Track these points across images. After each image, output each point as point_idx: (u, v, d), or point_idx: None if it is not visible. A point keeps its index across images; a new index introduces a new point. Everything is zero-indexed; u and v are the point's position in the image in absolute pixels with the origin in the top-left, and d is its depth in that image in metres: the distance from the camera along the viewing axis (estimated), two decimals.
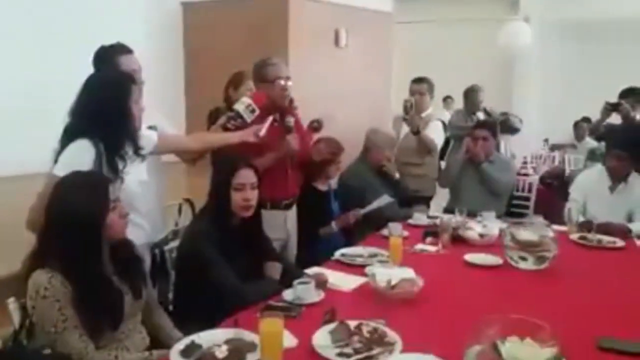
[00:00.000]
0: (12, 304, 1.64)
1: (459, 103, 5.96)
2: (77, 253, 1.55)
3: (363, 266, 2.33)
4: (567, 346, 1.33)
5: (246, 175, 2.10)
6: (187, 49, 7.38)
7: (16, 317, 1.63)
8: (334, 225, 3.03)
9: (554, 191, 4.65)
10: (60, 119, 1.97)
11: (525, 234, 2.37)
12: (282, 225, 2.74)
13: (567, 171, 5.16)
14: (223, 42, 6.87)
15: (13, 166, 4.89)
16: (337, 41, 7.36)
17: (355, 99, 6.95)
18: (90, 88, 1.95)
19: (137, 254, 1.80)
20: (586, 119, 6.13)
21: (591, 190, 3.28)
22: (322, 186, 3.15)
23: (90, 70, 2.24)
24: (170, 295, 2.25)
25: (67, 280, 1.53)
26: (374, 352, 1.56)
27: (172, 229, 2.87)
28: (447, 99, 8.16)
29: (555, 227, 2.77)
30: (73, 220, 1.56)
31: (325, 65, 6.77)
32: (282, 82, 2.62)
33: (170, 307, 2.15)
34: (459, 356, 1.40)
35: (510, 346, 1.32)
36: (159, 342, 1.81)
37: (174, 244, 2.49)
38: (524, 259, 2.33)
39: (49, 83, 5.33)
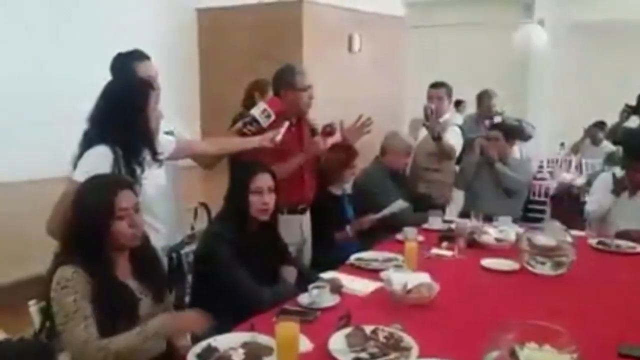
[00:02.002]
0: (32, 306, 1.66)
1: (471, 107, 5.94)
2: (89, 255, 1.59)
3: (378, 271, 2.32)
4: (586, 352, 1.32)
5: (264, 179, 2.13)
6: (202, 54, 7.46)
7: (36, 319, 1.66)
8: (349, 230, 3.02)
9: (569, 196, 4.60)
10: (74, 124, 2.00)
11: (543, 239, 2.35)
12: (298, 230, 2.76)
13: (581, 180, 5.02)
14: (238, 47, 6.94)
15: (25, 171, 4.98)
16: (350, 46, 7.39)
17: (368, 104, 6.91)
18: (109, 95, 1.98)
19: (158, 258, 1.82)
20: (601, 123, 6.06)
21: (609, 195, 3.24)
22: (336, 190, 3.15)
23: (105, 75, 2.27)
24: (187, 299, 2.26)
25: (89, 277, 1.57)
26: (391, 357, 1.55)
27: (188, 233, 2.89)
28: (460, 103, 8.12)
29: (573, 232, 2.74)
30: (82, 223, 1.62)
31: (338, 70, 6.80)
32: (311, 91, 2.69)
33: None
34: None
35: (528, 352, 1.31)
36: (172, 347, 1.82)
37: (190, 247, 2.51)
38: (541, 263, 2.31)
39: (64, 89, 5.43)
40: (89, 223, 1.61)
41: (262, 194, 2.12)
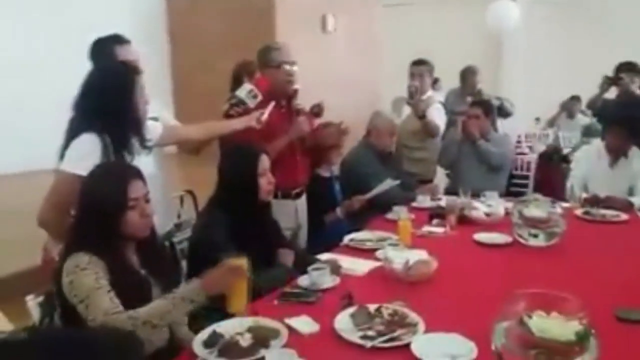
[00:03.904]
0: (31, 300, 1.61)
1: (445, 84, 5.97)
2: (101, 245, 1.55)
3: (373, 250, 2.33)
4: (590, 318, 1.34)
5: (266, 160, 2.16)
6: (172, 39, 7.28)
7: (36, 313, 1.61)
8: (339, 212, 3.01)
9: (553, 168, 4.67)
10: (50, 113, 1.94)
11: (534, 211, 2.38)
12: (293, 215, 2.74)
13: (564, 149, 5.19)
14: (209, 31, 6.80)
15: (21, 163, 4.86)
16: (324, 26, 7.31)
17: (345, 84, 6.92)
18: (93, 81, 1.91)
19: (165, 248, 1.78)
20: (576, 97, 6.16)
21: (591, 167, 3.31)
22: (324, 172, 3.13)
23: (78, 61, 2.19)
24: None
25: (105, 265, 1.54)
26: (397, 333, 1.56)
27: (175, 221, 2.84)
28: (436, 82, 8.14)
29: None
30: (94, 213, 1.58)
31: (314, 51, 6.72)
32: (288, 67, 2.59)
33: None
34: (483, 334, 1.40)
35: (537, 320, 1.32)
36: (174, 340, 1.79)
37: (180, 235, 2.47)
38: (534, 235, 2.34)
39: (37, 75, 5.28)
40: (100, 214, 1.57)
41: (267, 174, 2.14)
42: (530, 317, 1.34)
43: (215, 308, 1.75)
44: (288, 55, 2.66)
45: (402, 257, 1.98)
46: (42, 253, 2.09)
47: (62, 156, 1.87)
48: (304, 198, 2.83)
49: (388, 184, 3.02)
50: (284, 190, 2.62)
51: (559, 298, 1.37)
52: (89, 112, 1.87)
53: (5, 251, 3.01)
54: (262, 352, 1.46)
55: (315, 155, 3.00)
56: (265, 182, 2.14)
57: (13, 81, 5.25)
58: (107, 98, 1.87)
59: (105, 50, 2.27)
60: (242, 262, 1.61)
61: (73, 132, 1.88)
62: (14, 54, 5.32)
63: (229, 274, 1.58)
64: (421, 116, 3.52)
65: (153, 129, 2.10)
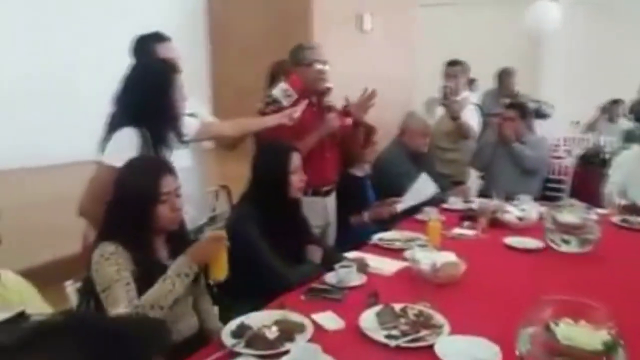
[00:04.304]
0: (69, 286, 1.69)
1: (483, 86, 5.89)
2: (130, 236, 1.61)
3: (401, 250, 2.34)
4: (619, 328, 1.32)
5: (298, 158, 2.20)
6: (212, 34, 7.40)
7: (74, 299, 1.68)
8: (365, 216, 2.98)
9: (591, 172, 4.54)
10: (91, 107, 2.01)
11: (568, 217, 2.34)
12: (322, 212, 2.76)
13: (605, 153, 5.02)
14: (248, 28, 6.88)
15: (61, 154, 5.04)
16: (360, 26, 7.30)
17: (381, 83, 6.85)
18: (134, 77, 1.98)
19: (194, 240, 1.84)
20: (617, 101, 5.97)
21: (631, 173, 3.22)
22: (358, 172, 3.12)
23: (120, 58, 2.27)
24: None
25: (130, 257, 1.59)
26: (422, 334, 1.57)
27: (209, 214, 2.91)
28: (472, 82, 8.02)
29: (595, 210, 2.73)
30: (125, 205, 1.63)
31: (349, 50, 6.73)
32: (319, 65, 2.62)
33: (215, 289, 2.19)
34: (508, 339, 1.40)
35: (564, 328, 1.31)
36: (203, 330, 1.85)
37: (214, 228, 2.53)
38: (566, 242, 2.30)
39: (81, 71, 5.47)
40: (132, 205, 1.63)
41: (299, 172, 2.18)
42: (557, 324, 1.33)
43: (244, 301, 1.80)
44: (320, 54, 2.70)
45: (430, 258, 1.98)
46: (82, 240, 2.18)
47: (102, 149, 1.95)
48: (333, 196, 2.85)
49: (423, 195, 2.95)
50: (314, 188, 2.64)
51: (587, 306, 1.35)
52: (129, 107, 1.95)
53: (48, 238, 3.15)
54: (288, 345, 1.50)
55: (349, 155, 3.00)
56: (297, 179, 2.17)
57: (58, 76, 5.43)
58: (147, 94, 1.94)
59: (146, 47, 2.34)
60: (222, 232, 1.75)
61: (113, 126, 1.95)
62: (60, 49, 5.49)
63: (212, 243, 1.69)
64: (455, 117, 3.49)
65: (190, 125, 2.17)
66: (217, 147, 2.96)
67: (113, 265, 1.57)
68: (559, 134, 6.05)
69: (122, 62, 2.08)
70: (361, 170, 3.14)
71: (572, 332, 1.31)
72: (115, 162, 1.80)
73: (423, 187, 2.96)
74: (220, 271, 1.72)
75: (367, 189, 3.12)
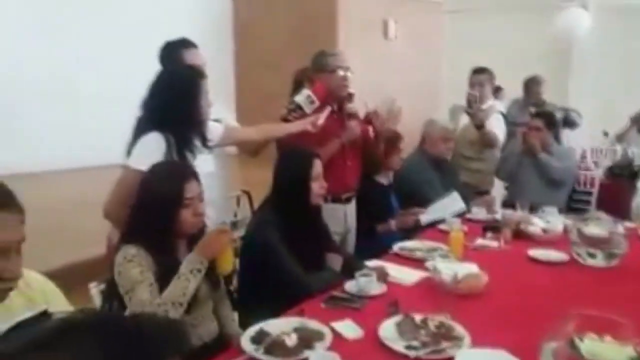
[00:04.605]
0: (94, 288, 1.72)
1: (509, 93, 5.80)
2: (153, 239, 1.63)
3: (422, 260, 2.32)
4: None
5: (319, 165, 2.20)
6: (237, 40, 7.49)
7: (97, 300, 1.71)
8: (392, 224, 2.95)
9: (620, 185, 4.43)
10: (117, 112, 2.05)
11: (594, 230, 2.29)
12: (342, 219, 2.75)
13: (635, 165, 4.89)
14: (273, 33, 6.95)
15: (87, 158, 5.16)
16: (385, 32, 7.30)
17: (405, 90, 6.85)
18: (162, 83, 2.02)
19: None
20: None
21: None
22: (383, 179, 3.11)
23: (147, 63, 2.31)
24: (235, 283, 2.30)
25: (152, 260, 1.62)
26: (442, 346, 1.55)
27: (232, 219, 2.94)
28: (498, 90, 7.93)
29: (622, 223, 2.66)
30: (149, 208, 1.66)
31: (374, 57, 6.73)
32: (342, 72, 2.63)
33: (235, 295, 2.21)
34: (531, 353, 1.37)
35: (589, 343, 1.29)
36: (222, 335, 1.86)
37: (236, 233, 2.55)
38: (592, 255, 2.25)
39: (108, 76, 5.59)
40: (156, 209, 1.66)
41: (320, 179, 2.18)
42: (581, 339, 1.31)
43: (264, 307, 1.81)
44: (343, 60, 2.70)
45: (451, 269, 1.96)
46: (106, 242, 2.22)
47: (129, 153, 1.99)
48: (353, 203, 2.84)
49: (449, 211, 2.87)
50: (334, 195, 2.64)
51: (613, 322, 1.32)
52: (156, 112, 1.98)
53: (74, 240, 3.22)
54: (307, 353, 1.50)
55: (375, 162, 2.99)
56: (318, 186, 2.17)
57: (84, 81, 5.55)
58: (174, 100, 1.97)
59: (174, 54, 2.38)
60: (226, 226, 1.85)
61: (140, 131, 1.99)
62: (85, 54, 5.62)
63: (217, 236, 1.72)
64: (479, 126, 3.45)
65: (214, 130, 2.19)
66: (240, 153, 2.99)
67: (136, 267, 1.60)
68: (586, 145, 5.92)
69: (150, 69, 2.12)
70: (386, 178, 3.12)
71: (597, 348, 1.28)
72: (141, 166, 1.83)
73: (451, 203, 2.91)
74: (227, 264, 1.78)
75: (391, 197, 3.10)
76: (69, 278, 1.81)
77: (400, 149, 3.09)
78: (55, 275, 1.37)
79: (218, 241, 1.72)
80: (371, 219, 2.89)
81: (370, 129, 2.88)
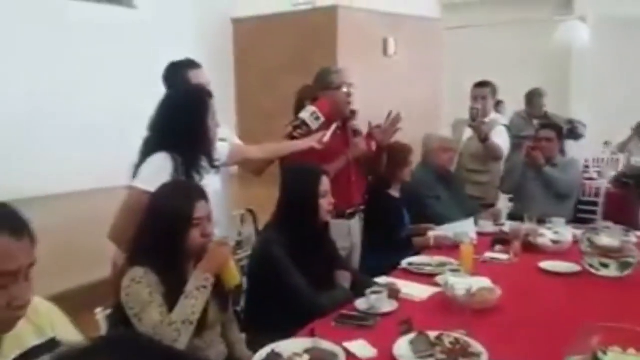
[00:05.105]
0: (100, 313, 1.68)
1: (510, 107, 5.82)
2: (161, 260, 1.61)
3: (432, 275, 2.28)
4: None
5: (326, 181, 2.18)
6: (237, 62, 7.54)
7: (104, 326, 1.68)
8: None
9: (627, 194, 4.39)
10: (121, 134, 2.04)
11: (605, 240, 2.26)
12: (346, 235, 2.72)
13: None
14: (273, 54, 6.99)
15: (91, 180, 5.15)
16: (385, 50, 7.34)
17: (406, 107, 6.84)
18: (169, 103, 2.01)
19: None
20: None
21: None
22: (395, 192, 3.07)
23: (149, 85, 2.30)
24: (242, 303, 2.26)
25: (160, 281, 1.60)
26: None
27: (237, 238, 2.91)
28: (499, 104, 7.95)
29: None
30: (158, 228, 1.64)
31: (374, 75, 6.76)
32: (346, 89, 2.64)
33: (242, 316, 2.17)
34: None
35: (613, 357, 1.25)
36: (232, 358, 1.82)
37: (242, 253, 2.52)
38: (605, 265, 2.22)
39: (110, 99, 5.61)
40: (165, 229, 1.63)
41: (329, 196, 2.16)
42: (605, 352, 1.27)
43: (274, 328, 1.77)
44: (347, 77, 2.71)
45: (464, 283, 1.93)
46: (111, 265, 2.19)
47: (135, 173, 1.97)
48: (357, 218, 2.82)
49: (462, 228, 2.82)
50: (338, 210, 2.62)
51: (636, 333, 1.29)
52: (164, 133, 1.96)
53: (78, 263, 3.19)
54: None
55: (387, 176, 2.97)
56: (326, 203, 2.15)
57: (86, 104, 5.58)
58: (182, 120, 1.96)
59: (179, 74, 2.38)
60: (225, 238, 1.83)
61: (147, 151, 1.97)
62: (87, 78, 5.64)
63: (218, 249, 1.70)
64: (484, 139, 3.44)
65: (221, 150, 2.18)
66: (242, 172, 2.97)
67: (145, 288, 1.57)
68: (588, 155, 5.92)
69: (148, 90, 2.11)
70: (397, 191, 3.08)
71: None
72: (147, 187, 1.81)
73: (463, 229, 2.82)
74: (232, 277, 1.76)
75: (403, 210, 3.07)
76: (73, 302, 1.78)
77: (411, 161, 3.07)
78: (59, 300, 1.34)
79: (219, 254, 1.70)
80: (384, 232, 2.84)
81: (373, 143, 2.87)
